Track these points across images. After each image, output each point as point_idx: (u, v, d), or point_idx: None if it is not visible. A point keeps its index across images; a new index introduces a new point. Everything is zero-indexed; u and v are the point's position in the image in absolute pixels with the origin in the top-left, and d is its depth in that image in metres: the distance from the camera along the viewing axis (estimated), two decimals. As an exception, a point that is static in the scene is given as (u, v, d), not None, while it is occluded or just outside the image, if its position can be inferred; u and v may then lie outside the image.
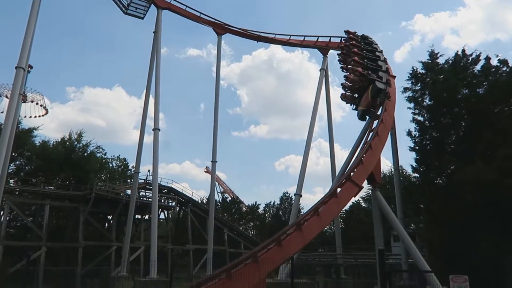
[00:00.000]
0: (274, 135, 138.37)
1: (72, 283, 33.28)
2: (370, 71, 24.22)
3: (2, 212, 35.74)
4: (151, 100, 33.93)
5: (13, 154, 36.72)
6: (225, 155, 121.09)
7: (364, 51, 26.53)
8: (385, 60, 26.49)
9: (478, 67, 23.36)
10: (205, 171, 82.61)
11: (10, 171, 37.66)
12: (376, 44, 28.79)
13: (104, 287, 30.91)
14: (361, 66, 24.56)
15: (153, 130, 31.35)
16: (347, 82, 24.85)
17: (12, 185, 39.77)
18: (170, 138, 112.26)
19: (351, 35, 29.60)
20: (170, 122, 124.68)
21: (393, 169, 27.87)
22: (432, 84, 23.74)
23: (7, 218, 37.87)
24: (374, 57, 26.24)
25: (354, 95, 25.05)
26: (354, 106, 25.13)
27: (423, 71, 24.89)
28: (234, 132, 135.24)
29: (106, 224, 46.72)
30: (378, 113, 22.82)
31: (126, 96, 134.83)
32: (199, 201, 55.27)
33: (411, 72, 25.28)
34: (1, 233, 33.73)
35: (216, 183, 70.28)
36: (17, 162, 46.77)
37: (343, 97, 25.55)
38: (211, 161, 34.13)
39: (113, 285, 31.09)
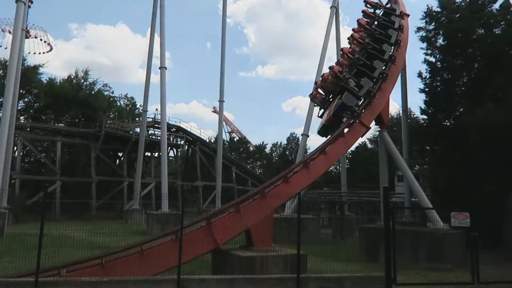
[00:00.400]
0: (282, 75, 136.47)
1: (88, 214, 35.10)
2: (357, 72, 17.97)
3: (15, 148, 36.77)
4: (157, 39, 33.32)
5: (21, 91, 36.93)
6: (232, 95, 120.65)
7: (368, 40, 19.07)
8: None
9: (496, 5, 22.35)
10: (213, 111, 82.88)
11: (19, 108, 38.09)
12: (398, 29, 20.26)
13: (119, 219, 32.59)
14: (350, 61, 18.18)
15: (159, 68, 31.25)
16: (319, 81, 18.90)
17: (22, 121, 40.45)
18: (177, 78, 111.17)
19: (367, 11, 21.01)
20: (176, 61, 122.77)
21: (401, 111, 27.77)
22: (447, 23, 22.86)
23: (21, 153, 39.04)
24: (375, 51, 18.70)
25: (328, 98, 18.70)
26: (321, 112, 19.01)
27: (439, 9, 23.86)
28: (241, 73, 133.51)
29: (117, 161, 48.05)
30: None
31: (131, 33, 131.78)
32: (207, 141, 56.10)
33: (425, 10, 24.24)
34: (16, 168, 34.97)
35: (224, 123, 70.74)
36: (26, 99, 47.22)
37: (313, 97, 19.20)
38: (218, 101, 34.19)
39: (127, 217, 32.78)
